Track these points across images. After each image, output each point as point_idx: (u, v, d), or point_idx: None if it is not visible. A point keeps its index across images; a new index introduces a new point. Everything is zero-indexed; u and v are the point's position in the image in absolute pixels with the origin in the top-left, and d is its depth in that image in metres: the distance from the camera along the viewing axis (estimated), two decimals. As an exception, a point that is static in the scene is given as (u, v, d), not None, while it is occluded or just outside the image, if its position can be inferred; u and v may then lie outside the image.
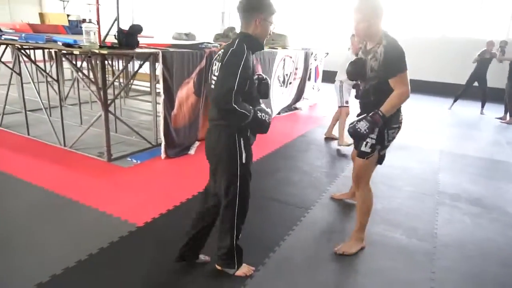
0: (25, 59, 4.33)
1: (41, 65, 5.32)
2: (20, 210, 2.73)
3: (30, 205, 2.81)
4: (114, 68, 6.43)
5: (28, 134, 4.37)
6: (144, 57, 4.05)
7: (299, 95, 7.19)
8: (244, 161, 1.93)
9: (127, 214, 2.72)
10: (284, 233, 2.63)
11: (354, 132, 2.22)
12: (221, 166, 1.95)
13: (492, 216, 3.16)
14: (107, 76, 3.85)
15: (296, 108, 7.11)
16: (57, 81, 4.25)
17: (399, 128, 2.33)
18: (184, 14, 12.56)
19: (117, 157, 3.83)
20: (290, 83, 6.69)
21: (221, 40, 6.14)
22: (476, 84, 7.99)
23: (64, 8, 8.26)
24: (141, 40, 3.93)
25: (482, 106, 8.08)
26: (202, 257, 2.20)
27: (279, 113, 6.44)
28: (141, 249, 2.34)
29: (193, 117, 4.17)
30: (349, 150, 4.51)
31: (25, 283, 1.96)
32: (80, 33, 3.78)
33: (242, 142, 1.91)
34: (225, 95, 1.74)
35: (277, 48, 6.26)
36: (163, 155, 3.94)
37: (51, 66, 6.47)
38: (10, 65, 4.52)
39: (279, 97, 6.32)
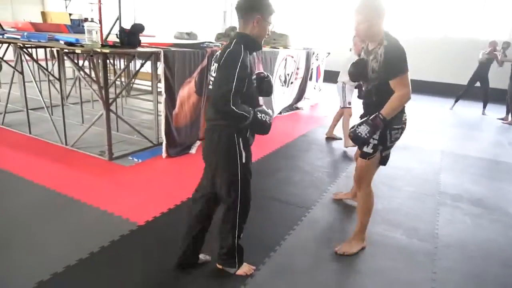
0: (27, 57, 4.34)
1: (43, 63, 5.34)
2: (21, 209, 2.74)
3: (32, 204, 2.82)
4: (115, 67, 6.44)
5: (30, 133, 4.38)
6: (145, 56, 4.05)
7: (300, 95, 7.18)
8: (244, 161, 1.92)
9: (128, 213, 2.73)
10: (284, 232, 2.63)
11: (355, 137, 2.19)
12: (221, 167, 1.94)
13: (493, 217, 3.15)
14: (108, 75, 3.85)
15: (297, 108, 7.11)
16: (59, 80, 4.26)
17: (402, 128, 2.29)
18: (185, 14, 12.56)
19: (119, 156, 3.84)
20: (292, 82, 6.69)
21: (222, 40, 6.15)
22: (478, 84, 7.97)
23: (66, 7, 8.28)
24: (143, 39, 3.94)
25: (484, 107, 8.06)
26: (203, 256, 2.20)
27: (280, 113, 6.44)
28: (142, 248, 2.34)
29: (194, 116, 4.17)
30: (351, 150, 4.53)
31: (26, 281, 1.96)
32: (82, 32, 3.79)
33: (241, 142, 1.89)
34: (223, 96, 1.72)
35: (278, 48, 6.26)
36: (164, 154, 3.94)
37: (53, 65, 6.48)
38: (12, 64, 4.53)
39: (280, 96, 6.32)
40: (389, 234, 2.73)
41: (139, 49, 3.75)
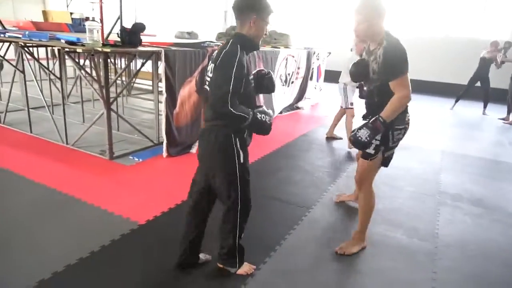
0: (28, 56, 4.34)
1: (44, 63, 5.34)
2: (22, 207, 2.74)
3: (32, 203, 2.82)
4: (116, 66, 6.45)
5: (31, 132, 4.38)
6: (146, 56, 4.06)
7: (301, 95, 7.18)
8: (242, 160, 1.91)
9: (128, 212, 2.73)
10: (285, 232, 2.64)
11: (355, 141, 2.14)
12: (219, 167, 1.92)
13: (493, 217, 3.15)
14: (109, 74, 3.86)
15: (298, 108, 7.11)
16: (60, 79, 4.26)
17: (405, 129, 2.27)
18: (186, 13, 12.56)
19: (119, 155, 3.85)
20: (292, 82, 6.69)
21: (223, 39, 6.15)
22: (478, 84, 7.97)
23: (67, 6, 8.29)
24: (144, 38, 3.94)
25: (485, 107, 8.06)
26: (203, 256, 2.20)
27: (281, 112, 6.44)
28: (143, 248, 2.34)
29: (195, 115, 4.17)
30: (354, 150, 4.53)
31: (27, 280, 1.97)
32: (83, 31, 3.80)
33: (238, 142, 1.88)
34: (221, 98, 1.71)
35: (279, 48, 6.26)
36: (165, 154, 3.95)
37: (54, 64, 6.49)
38: (14, 63, 4.54)
39: (281, 96, 6.32)
40: (389, 234, 2.73)
41: (140, 48, 3.76)
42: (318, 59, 7.61)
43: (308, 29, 11.56)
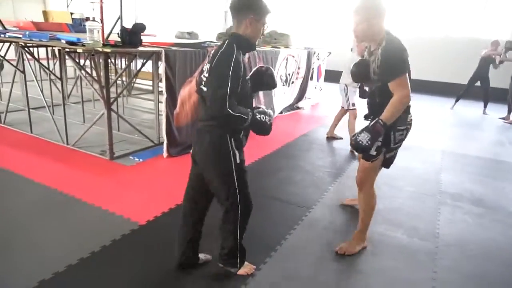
0: (29, 57, 4.35)
1: (45, 63, 5.34)
2: (22, 208, 2.75)
3: (33, 203, 2.82)
4: (117, 66, 6.45)
5: (31, 132, 4.39)
6: (147, 56, 4.06)
7: (301, 95, 7.18)
8: (238, 160, 1.87)
9: (129, 212, 2.73)
10: (285, 232, 2.64)
11: (356, 145, 2.11)
12: (215, 168, 1.90)
13: (494, 216, 3.15)
14: (110, 74, 3.86)
15: (298, 108, 7.11)
16: (60, 79, 4.26)
17: (407, 129, 2.24)
18: (187, 13, 12.57)
19: (120, 156, 3.85)
20: (293, 82, 6.69)
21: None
22: (478, 83, 7.97)
23: (67, 6, 8.29)
24: (144, 38, 3.94)
25: (485, 106, 8.06)
26: (203, 256, 2.20)
27: (281, 112, 6.44)
28: (143, 248, 2.34)
29: (195, 115, 4.14)
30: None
31: (27, 281, 1.97)
32: (84, 31, 3.80)
33: (233, 142, 1.85)
34: (219, 100, 1.68)
35: (279, 48, 6.26)
36: (165, 154, 3.95)
37: (54, 64, 6.49)
38: (14, 63, 4.54)
39: (281, 96, 6.32)
40: (390, 234, 2.73)
41: (140, 48, 3.76)
42: (318, 59, 7.61)
43: (308, 29, 11.56)
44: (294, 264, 2.29)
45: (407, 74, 2.04)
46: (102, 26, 3.55)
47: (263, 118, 1.86)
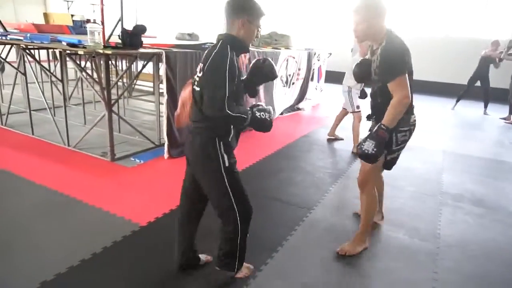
0: (30, 59, 4.36)
1: (46, 65, 5.35)
2: (23, 209, 2.75)
3: (34, 204, 2.83)
4: (117, 68, 6.46)
5: (33, 134, 4.40)
6: (147, 57, 4.07)
7: (302, 96, 7.19)
8: (227, 164, 1.83)
9: (130, 213, 2.74)
10: (286, 233, 2.64)
11: (363, 155, 2.06)
12: (205, 171, 1.88)
13: (495, 217, 3.15)
14: (110, 76, 3.87)
15: (299, 109, 7.11)
16: (61, 81, 4.28)
17: (410, 131, 2.22)
18: (187, 14, 12.59)
19: (121, 157, 3.86)
20: (293, 83, 6.70)
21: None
22: (478, 83, 7.96)
23: (68, 8, 8.31)
24: (145, 40, 3.95)
25: (485, 106, 8.05)
26: (204, 257, 2.20)
27: (281, 113, 6.45)
28: (144, 249, 2.35)
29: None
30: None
31: (29, 282, 1.97)
32: (84, 33, 3.80)
33: (222, 145, 1.82)
34: (218, 102, 1.66)
35: (280, 49, 6.27)
36: (166, 155, 3.95)
37: (55, 66, 6.51)
38: (15, 65, 4.55)
39: (281, 97, 6.32)
40: (391, 234, 2.73)
41: (141, 50, 3.77)
42: (318, 60, 7.61)
43: (309, 30, 11.57)
44: (295, 265, 2.29)
45: (406, 75, 2.01)
46: (103, 28, 3.55)
47: (262, 115, 1.85)
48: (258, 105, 1.90)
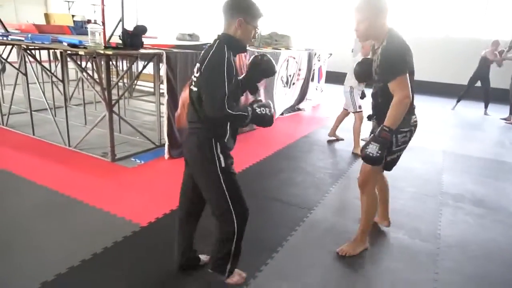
0: (31, 59, 4.37)
1: (46, 65, 5.36)
2: (24, 210, 2.76)
3: (34, 205, 2.83)
4: (118, 68, 6.47)
5: (33, 134, 4.40)
6: (148, 58, 4.07)
7: (302, 96, 7.19)
8: (223, 165, 1.81)
9: (131, 214, 2.74)
10: (286, 233, 2.64)
11: (367, 158, 2.04)
12: (201, 171, 1.87)
13: (495, 217, 3.15)
14: (111, 76, 3.87)
15: (299, 109, 7.11)
16: (62, 81, 4.28)
17: (411, 131, 2.20)
18: (187, 15, 12.60)
19: (121, 157, 3.86)
20: (293, 83, 6.70)
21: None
22: (478, 84, 7.96)
23: (69, 9, 8.31)
24: (145, 40, 3.96)
25: (486, 107, 8.05)
26: (204, 257, 2.20)
27: (282, 114, 6.45)
28: (145, 249, 2.35)
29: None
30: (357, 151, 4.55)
31: (30, 282, 1.98)
32: (85, 33, 3.81)
33: (218, 146, 1.81)
34: (218, 102, 1.66)
35: (280, 49, 6.27)
36: (166, 156, 3.96)
37: (56, 67, 6.52)
38: (16, 65, 4.56)
39: (282, 97, 6.32)
40: (391, 235, 2.73)
41: (142, 50, 3.77)
42: (319, 60, 7.61)
43: (309, 31, 11.58)
44: (295, 266, 2.29)
45: (407, 74, 2.00)
46: (104, 29, 3.56)
47: (263, 111, 1.83)
48: (258, 100, 1.89)
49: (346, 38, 10.64)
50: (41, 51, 4.98)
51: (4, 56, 4.88)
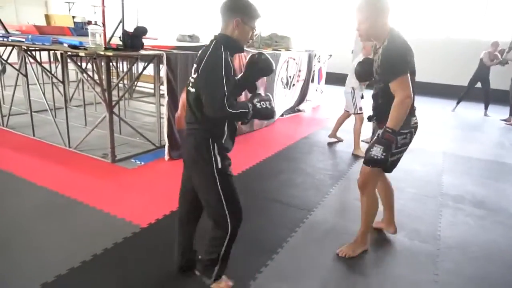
0: (31, 60, 4.37)
1: (47, 66, 5.37)
2: (24, 210, 2.76)
3: (35, 206, 2.83)
4: (118, 69, 6.48)
5: (34, 135, 4.41)
6: (148, 59, 4.08)
7: (302, 97, 7.19)
8: (220, 166, 1.81)
9: (131, 215, 2.74)
10: (286, 235, 2.64)
11: (372, 161, 2.03)
12: (198, 172, 1.86)
13: (496, 218, 3.15)
14: (111, 77, 3.88)
15: (299, 110, 7.12)
16: (62, 82, 4.29)
17: (411, 133, 2.20)
18: (188, 16, 12.62)
19: (121, 159, 3.86)
20: (293, 85, 6.70)
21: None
22: (478, 85, 7.96)
23: (69, 10, 8.32)
24: (145, 42, 3.96)
25: (486, 108, 8.06)
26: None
27: (282, 115, 6.45)
28: (145, 250, 2.35)
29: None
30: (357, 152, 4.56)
31: (30, 283, 1.98)
32: (85, 34, 3.82)
33: (216, 147, 1.81)
34: (218, 103, 1.65)
35: (280, 50, 6.27)
36: (166, 157, 3.96)
37: (56, 68, 6.53)
38: (17, 66, 4.57)
39: (282, 99, 6.33)
40: (391, 236, 2.73)
41: (142, 51, 3.77)
42: (319, 62, 7.62)
43: (309, 32, 11.59)
44: (295, 267, 2.29)
45: (408, 75, 1.99)
46: (104, 30, 3.56)
47: (263, 104, 1.82)
48: (257, 94, 1.87)
49: (346, 39, 10.68)
50: (42, 52, 4.99)
51: (5, 57, 4.89)
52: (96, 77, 3.89)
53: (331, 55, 8.11)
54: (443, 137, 5.89)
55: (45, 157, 3.83)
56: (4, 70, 5.99)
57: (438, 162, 4.58)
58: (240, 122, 2.01)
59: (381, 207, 2.64)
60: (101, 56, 3.52)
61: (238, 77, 1.93)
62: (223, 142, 1.84)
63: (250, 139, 4.87)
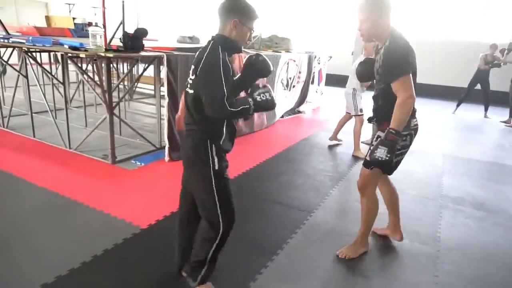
0: (32, 61, 4.38)
1: (47, 67, 5.38)
2: (24, 211, 2.76)
3: (35, 207, 2.83)
4: (119, 71, 6.48)
5: (34, 136, 4.41)
6: (148, 60, 4.09)
7: (302, 99, 7.20)
8: (217, 167, 1.81)
9: (131, 216, 2.74)
10: (287, 236, 2.64)
11: (376, 162, 2.03)
12: (195, 173, 1.86)
13: (496, 220, 3.15)
14: (112, 79, 3.88)
15: (299, 112, 7.12)
16: (63, 83, 4.30)
17: (411, 135, 2.19)
18: (188, 18, 12.64)
19: (122, 160, 3.86)
20: (294, 86, 6.71)
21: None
22: (478, 87, 7.97)
23: (70, 11, 8.34)
24: (146, 43, 3.97)
25: (486, 110, 8.06)
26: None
27: (282, 116, 6.46)
28: (145, 252, 2.35)
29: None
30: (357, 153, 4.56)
31: (30, 284, 1.98)
32: (86, 36, 3.83)
33: (214, 148, 1.81)
34: (218, 103, 1.65)
35: (280, 52, 6.28)
36: (167, 158, 3.96)
37: (56, 69, 6.53)
38: (17, 68, 4.57)
39: (282, 100, 6.34)
40: (391, 238, 2.72)
41: (142, 53, 3.78)
42: (319, 63, 7.63)
43: (309, 33, 11.60)
44: (295, 268, 2.29)
45: (410, 75, 1.98)
46: (105, 31, 3.57)
47: (263, 96, 1.80)
48: (256, 87, 1.86)
49: (346, 41, 10.71)
50: (42, 53, 5.00)
51: (5, 58, 4.90)
52: (96, 78, 3.90)
53: (331, 57, 8.13)
54: (443, 139, 5.90)
55: (45, 158, 3.83)
56: (4, 71, 6.00)
57: (438, 164, 4.58)
58: (240, 122, 2.02)
59: (385, 211, 2.65)
60: (102, 58, 3.52)
61: (236, 78, 1.93)
62: (221, 143, 1.84)
63: (250, 140, 4.88)
